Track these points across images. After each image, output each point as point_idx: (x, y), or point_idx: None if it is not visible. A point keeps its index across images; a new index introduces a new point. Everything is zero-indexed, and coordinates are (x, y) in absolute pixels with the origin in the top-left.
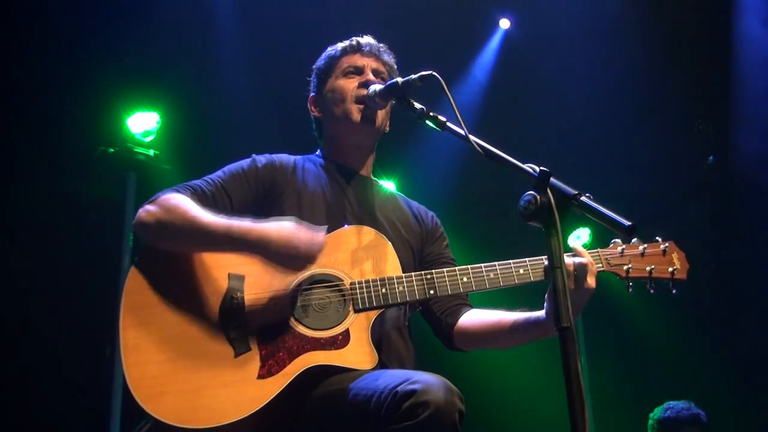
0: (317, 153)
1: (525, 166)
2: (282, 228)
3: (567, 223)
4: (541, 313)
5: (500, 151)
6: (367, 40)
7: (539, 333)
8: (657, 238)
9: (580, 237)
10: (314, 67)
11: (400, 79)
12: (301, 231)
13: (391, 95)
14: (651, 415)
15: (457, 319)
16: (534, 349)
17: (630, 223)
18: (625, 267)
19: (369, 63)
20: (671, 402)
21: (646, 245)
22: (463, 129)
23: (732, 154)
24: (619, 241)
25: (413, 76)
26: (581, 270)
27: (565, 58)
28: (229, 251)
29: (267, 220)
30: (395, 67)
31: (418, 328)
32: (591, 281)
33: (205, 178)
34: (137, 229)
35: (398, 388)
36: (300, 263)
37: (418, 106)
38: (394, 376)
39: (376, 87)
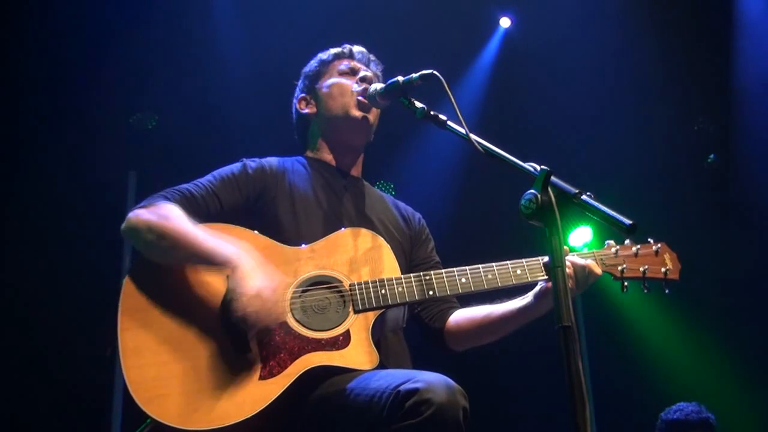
0: (305, 154)
1: (526, 165)
2: (258, 281)
3: (568, 222)
4: (528, 299)
5: (501, 149)
6: (358, 48)
7: (529, 317)
8: (649, 239)
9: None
10: (304, 70)
11: (401, 78)
12: (262, 297)
13: (391, 94)
14: (661, 414)
15: (444, 323)
16: (535, 349)
17: (630, 222)
18: (619, 267)
19: (361, 68)
20: (681, 403)
21: (639, 246)
22: (463, 128)
23: (733, 153)
24: (612, 242)
25: (414, 75)
26: (581, 271)
27: (566, 57)
28: (208, 268)
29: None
30: (380, 77)
31: (416, 329)
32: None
33: (195, 182)
34: (126, 233)
35: (400, 387)
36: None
37: (418, 104)
38: (396, 376)
39: (377, 86)
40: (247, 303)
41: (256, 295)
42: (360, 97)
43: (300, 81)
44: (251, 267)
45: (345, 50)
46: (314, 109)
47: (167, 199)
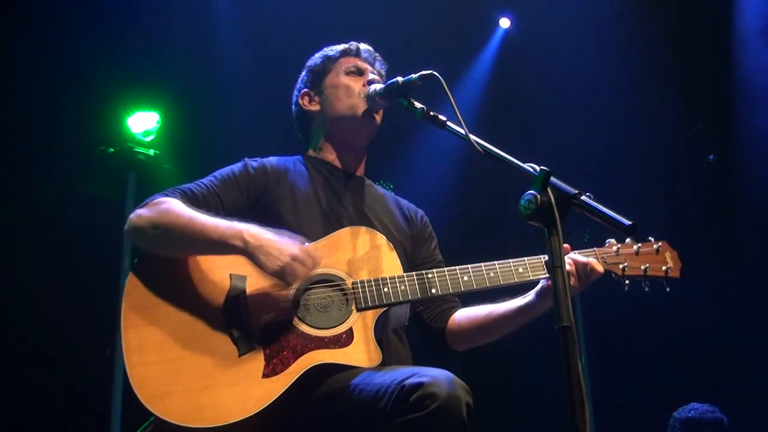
0: (308, 153)
1: (525, 166)
2: (277, 238)
3: (567, 223)
4: (529, 297)
5: (501, 150)
6: (365, 46)
7: (531, 315)
8: (650, 237)
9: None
10: (308, 65)
11: (400, 79)
12: (294, 246)
13: (391, 94)
14: (674, 413)
15: (446, 322)
16: (534, 349)
17: (630, 223)
18: (620, 265)
19: (368, 68)
20: (696, 403)
21: (640, 244)
22: (463, 128)
23: (732, 153)
24: (613, 240)
25: (413, 76)
26: (583, 269)
27: (565, 58)
28: (223, 253)
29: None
30: (384, 76)
31: (418, 330)
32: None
33: (197, 182)
34: (130, 234)
35: (405, 382)
36: (285, 274)
37: (418, 105)
38: (400, 372)
39: (377, 86)
40: (278, 255)
41: (282, 247)
42: (367, 98)
43: (303, 74)
44: (264, 232)
45: (352, 47)
46: (318, 107)
47: (166, 196)
